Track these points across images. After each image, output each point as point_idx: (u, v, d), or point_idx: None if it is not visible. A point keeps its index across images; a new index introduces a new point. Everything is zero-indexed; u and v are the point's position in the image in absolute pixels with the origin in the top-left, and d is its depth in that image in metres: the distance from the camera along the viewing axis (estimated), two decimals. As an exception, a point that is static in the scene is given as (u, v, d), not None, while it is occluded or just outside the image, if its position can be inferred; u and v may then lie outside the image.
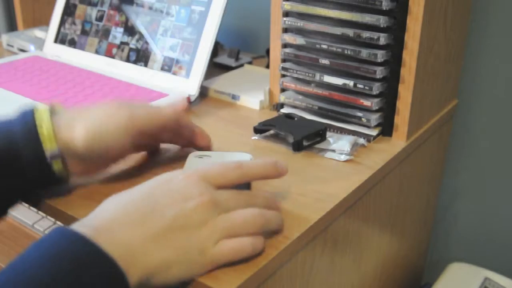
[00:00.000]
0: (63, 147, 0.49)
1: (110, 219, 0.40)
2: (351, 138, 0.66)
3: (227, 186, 0.45)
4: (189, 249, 0.41)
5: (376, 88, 0.64)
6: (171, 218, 0.41)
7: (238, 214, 0.44)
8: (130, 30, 0.86)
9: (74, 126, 0.49)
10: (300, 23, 0.67)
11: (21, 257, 0.37)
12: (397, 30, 0.63)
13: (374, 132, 0.67)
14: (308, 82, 0.70)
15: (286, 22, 0.69)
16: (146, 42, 0.84)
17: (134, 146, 0.54)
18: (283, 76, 0.73)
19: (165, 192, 0.42)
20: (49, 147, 0.48)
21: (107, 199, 0.43)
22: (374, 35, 0.62)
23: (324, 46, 0.66)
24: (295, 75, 0.70)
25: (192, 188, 0.43)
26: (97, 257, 0.37)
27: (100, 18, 0.91)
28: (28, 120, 0.49)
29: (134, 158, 0.60)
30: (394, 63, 0.64)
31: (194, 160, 0.56)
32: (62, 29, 0.96)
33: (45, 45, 0.98)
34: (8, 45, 1.05)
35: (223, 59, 0.95)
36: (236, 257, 0.43)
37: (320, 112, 0.70)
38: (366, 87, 0.65)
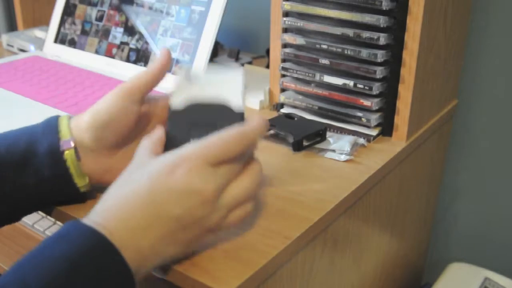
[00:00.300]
0: (76, 138, 0.49)
1: (121, 221, 0.41)
2: (351, 138, 0.66)
3: (230, 160, 0.44)
4: (198, 237, 0.43)
5: (376, 88, 0.64)
6: (178, 218, 0.42)
7: (240, 189, 0.44)
8: (130, 30, 0.86)
9: (82, 115, 0.51)
10: (300, 23, 0.67)
11: (40, 251, 0.38)
12: (397, 30, 0.63)
13: (374, 132, 0.67)
14: (308, 82, 0.70)
15: (286, 22, 0.69)
16: (146, 42, 0.84)
17: (144, 118, 0.53)
18: (283, 76, 0.73)
19: (167, 190, 0.42)
20: (63, 137, 0.49)
21: (110, 190, 0.43)
22: (374, 35, 0.62)
23: (324, 46, 0.66)
24: (295, 75, 0.70)
25: (195, 182, 0.42)
26: (115, 261, 0.39)
27: (100, 18, 0.91)
28: (51, 120, 0.51)
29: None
30: (394, 63, 0.64)
31: (183, 85, 0.52)
32: (62, 29, 0.96)
33: (45, 45, 0.98)
34: (8, 45, 1.05)
35: (223, 59, 0.95)
36: (242, 222, 0.46)
37: (320, 112, 0.70)
38: (366, 87, 0.65)
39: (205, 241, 0.45)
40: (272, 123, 0.67)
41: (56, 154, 0.48)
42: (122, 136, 0.51)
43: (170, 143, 0.50)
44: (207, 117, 0.51)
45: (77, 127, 0.50)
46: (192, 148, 0.43)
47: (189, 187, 0.42)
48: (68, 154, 0.49)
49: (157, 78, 0.51)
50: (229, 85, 0.52)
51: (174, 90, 0.52)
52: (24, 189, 0.49)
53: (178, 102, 0.51)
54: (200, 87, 0.52)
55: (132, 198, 0.42)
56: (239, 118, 0.50)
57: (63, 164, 0.49)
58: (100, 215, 0.41)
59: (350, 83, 0.66)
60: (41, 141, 0.49)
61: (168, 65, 0.52)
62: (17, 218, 0.52)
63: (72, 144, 0.49)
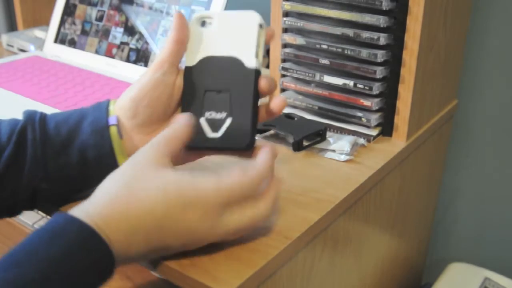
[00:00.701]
0: (118, 117, 0.50)
1: (123, 233, 0.40)
2: (351, 138, 0.66)
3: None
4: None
5: (376, 88, 0.64)
6: (177, 247, 0.43)
7: (241, 230, 0.45)
8: (130, 30, 0.86)
9: (122, 95, 0.52)
10: (300, 23, 0.67)
11: (35, 246, 0.37)
12: (397, 30, 0.63)
13: (374, 132, 0.67)
14: (308, 82, 0.70)
15: (286, 22, 0.69)
16: (146, 42, 0.84)
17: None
18: (283, 76, 0.73)
19: (177, 226, 0.42)
20: (110, 114, 0.50)
21: (119, 184, 0.42)
22: (374, 35, 0.62)
23: (324, 46, 0.66)
24: (295, 75, 0.70)
25: (204, 228, 0.42)
26: (106, 266, 0.39)
27: (100, 18, 0.91)
28: (102, 102, 0.52)
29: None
30: (394, 63, 0.64)
31: (198, 30, 0.52)
32: (62, 29, 0.96)
33: (45, 45, 0.98)
34: (8, 45, 1.05)
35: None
36: None
37: (320, 112, 0.70)
38: (366, 87, 0.64)
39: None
40: (272, 123, 0.67)
41: (101, 130, 0.49)
42: (159, 110, 0.51)
43: (185, 107, 0.50)
44: (219, 78, 0.50)
45: (117, 106, 0.51)
46: (210, 189, 0.42)
47: (196, 232, 0.42)
48: (112, 131, 0.49)
49: (180, 43, 0.51)
50: (243, 33, 0.51)
51: (191, 36, 0.51)
52: (67, 167, 0.49)
53: (191, 56, 0.51)
54: (213, 35, 0.51)
55: (142, 217, 0.41)
56: (252, 75, 0.49)
57: (107, 139, 0.49)
58: (104, 221, 0.40)
59: (350, 83, 0.66)
60: (88, 118, 0.50)
61: (186, 27, 0.51)
62: (56, 200, 0.52)
63: (116, 121, 0.50)
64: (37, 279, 0.35)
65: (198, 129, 0.49)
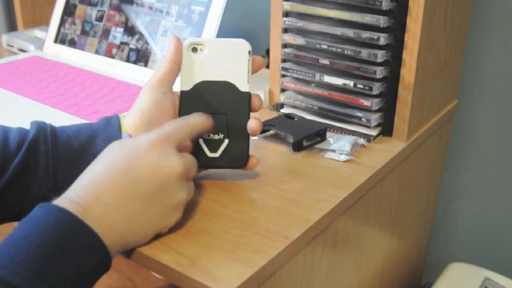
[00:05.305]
0: (132, 136, 0.52)
1: (96, 197, 0.42)
2: (351, 138, 0.66)
3: (184, 140, 0.50)
4: (167, 215, 0.46)
5: (376, 88, 0.64)
6: (151, 193, 0.44)
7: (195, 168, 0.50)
8: (130, 30, 0.86)
9: (128, 116, 0.53)
10: (300, 23, 0.67)
11: (13, 234, 0.39)
12: (397, 30, 0.63)
13: (374, 132, 0.67)
14: (308, 82, 0.70)
15: (286, 22, 0.69)
16: (146, 42, 0.84)
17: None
18: (283, 76, 0.73)
19: (142, 165, 0.44)
20: (123, 132, 0.52)
21: (89, 169, 0.44)
22: (374, 35, 0.62)
23: (324, 46, 0.66)
24: (295, 75, 0.70)
25: (165, 160, 0.45)
26: (84, 233, 0.40)
27: (100, 18, 0.91)
28: (112, 117, 0.53)
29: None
30: (394, 63, 0.64)
31: (189, 56, 0.55)
32: (62, 29, 0.96)
33: (45, 45, 0.98)
34: (8, 45, 1.05)
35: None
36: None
37: (320, 112, 0.70)
38: (366, 87, 0.65)
39: (171, 221, 0.47)
40: (272, 123, 0.67)
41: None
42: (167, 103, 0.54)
43: None
44: (215, 101, 0.55)
45: (131, 127, 0.52)
46: (163, 131, 0.47)
47: (160, 164, 0.44)
48: None
49: (178, 64, 0.54)
50: (235, 60, 0.55)
51: (184, 62, 0.55)
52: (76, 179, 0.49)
53: (186, 80, 0.55)
54: (206, 61, 0.55)
55: (110, 174, 0.43)
56: (246, 98, 0.55)
57: None
58: (75, 193, 0.42)
59: (350, 83, 0.66)
60: (101, 134, 0.51)
61: (181, 51, 0.55)
62: None
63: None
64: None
65: (198, 149, 0.55)
